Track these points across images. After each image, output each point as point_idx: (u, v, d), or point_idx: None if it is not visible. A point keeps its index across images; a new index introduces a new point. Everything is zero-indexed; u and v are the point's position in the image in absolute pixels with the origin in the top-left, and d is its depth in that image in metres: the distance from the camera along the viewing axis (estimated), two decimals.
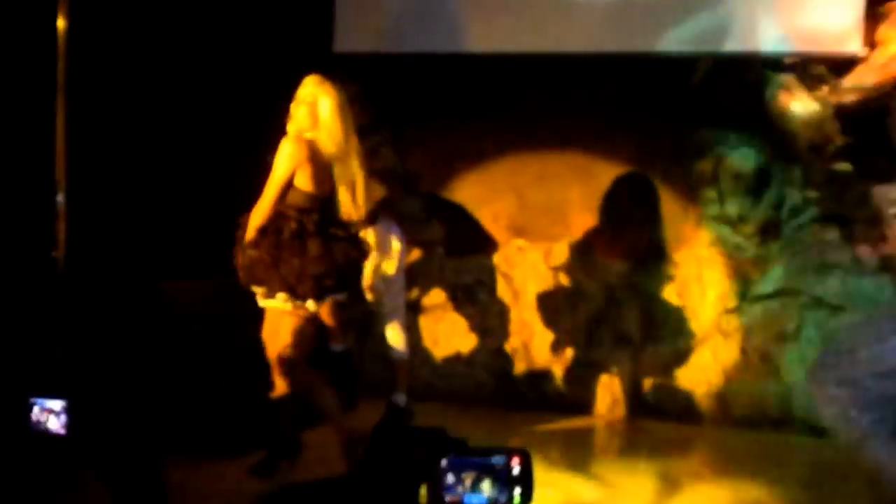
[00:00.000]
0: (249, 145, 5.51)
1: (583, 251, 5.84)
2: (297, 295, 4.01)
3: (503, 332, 5.92)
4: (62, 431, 3.39)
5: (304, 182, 4.02)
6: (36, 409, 3.42)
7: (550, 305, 5.87)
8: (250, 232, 4.02)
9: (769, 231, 5.55)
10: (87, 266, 4.79)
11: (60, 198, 4.71)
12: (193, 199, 5.28)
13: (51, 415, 3.49)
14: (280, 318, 4.10)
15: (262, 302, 4.13)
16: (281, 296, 4.04)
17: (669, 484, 4.41)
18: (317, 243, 3.98)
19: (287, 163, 3.98)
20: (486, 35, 5.49)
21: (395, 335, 5.03)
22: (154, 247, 5.06)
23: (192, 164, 5.34)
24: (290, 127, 4.08)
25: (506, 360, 5.91)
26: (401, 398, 4.98)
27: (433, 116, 5.71)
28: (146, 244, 5.06)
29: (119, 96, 5.06)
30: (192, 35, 5.31)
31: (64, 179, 4.74)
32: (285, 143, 4.01)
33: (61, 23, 4.75)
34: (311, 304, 4.05)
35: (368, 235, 4.58)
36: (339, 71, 4.27)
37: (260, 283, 4.05)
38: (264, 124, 5.56)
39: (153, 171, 5.24)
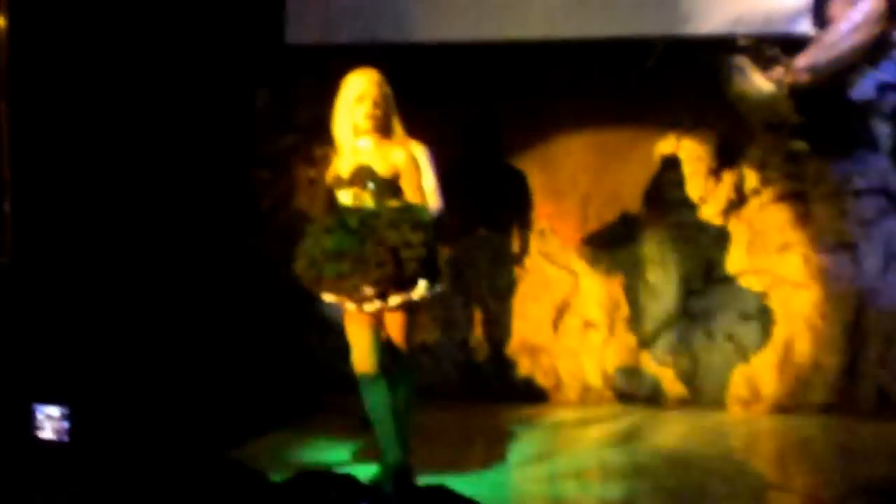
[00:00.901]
0: (202, 144, 5.44)
1: (546, 238, 5.83)
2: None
3: (467, 324, 5.88)
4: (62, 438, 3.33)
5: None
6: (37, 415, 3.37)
7: (515, 294, 5.84)
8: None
9: (730, 212, 5.57)
10: (34, 271, 4.67)
11: (6, 203, 4.59)
12: (144, 201, 5.17)
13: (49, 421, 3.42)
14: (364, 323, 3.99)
15: (351, 308, 3.97)
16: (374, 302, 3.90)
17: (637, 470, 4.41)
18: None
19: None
20: (441, 23, 5.43)
21: None
22: (103, 250, 4.94)
23: (141, 165, 5.23)
24: (375, 125, 3.91)
25: (471, 351, 5.87)
26: None
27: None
28: (95, 247, 4.95)
29: (64, 96, 4.93)
30: (139, 30, 5.19)
31: (9, 183, 4.62)
32: (415, 148, 3.95)
33: (1, 21, 4.61)
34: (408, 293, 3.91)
35: None
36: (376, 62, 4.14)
37: (383, 281, 3.81)
38: (215, 122, 5.49)
39: (102, 172, 5.12)
